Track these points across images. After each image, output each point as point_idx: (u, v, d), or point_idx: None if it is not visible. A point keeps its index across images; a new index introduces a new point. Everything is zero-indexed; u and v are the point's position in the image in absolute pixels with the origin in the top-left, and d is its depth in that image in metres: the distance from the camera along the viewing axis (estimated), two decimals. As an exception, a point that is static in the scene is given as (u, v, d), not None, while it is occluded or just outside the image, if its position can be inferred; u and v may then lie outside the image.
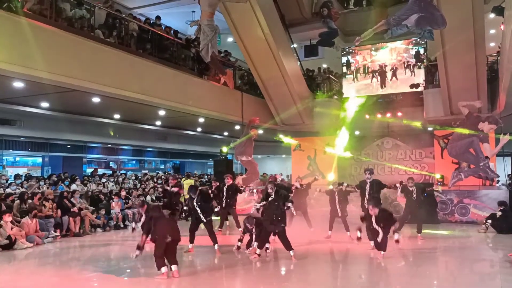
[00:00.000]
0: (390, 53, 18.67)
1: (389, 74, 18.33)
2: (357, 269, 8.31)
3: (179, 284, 7.02)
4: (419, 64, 17.87)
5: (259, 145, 18.67)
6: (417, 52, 18.22)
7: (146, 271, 7.91)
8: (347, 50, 19.16)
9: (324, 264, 8.83)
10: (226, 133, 20.90)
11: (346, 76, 19.09)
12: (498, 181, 16.30)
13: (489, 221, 11.90)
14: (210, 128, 19.46)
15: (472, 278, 7.52)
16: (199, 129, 19.67)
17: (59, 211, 11.26)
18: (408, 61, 18.21)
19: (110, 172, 19.30)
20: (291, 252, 8.40)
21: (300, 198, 11.25)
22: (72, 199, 12.07)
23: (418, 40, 17.86)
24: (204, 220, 8.92)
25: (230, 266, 8.39)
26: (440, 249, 10.24)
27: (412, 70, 18.09)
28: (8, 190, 12.00)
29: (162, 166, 25.62)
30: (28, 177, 14.18)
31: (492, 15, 14.20)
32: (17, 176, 13.81)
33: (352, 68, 19.07)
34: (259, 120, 12.52)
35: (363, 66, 19.03)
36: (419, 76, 17.63)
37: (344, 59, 19.33)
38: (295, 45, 17.18)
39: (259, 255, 8.48)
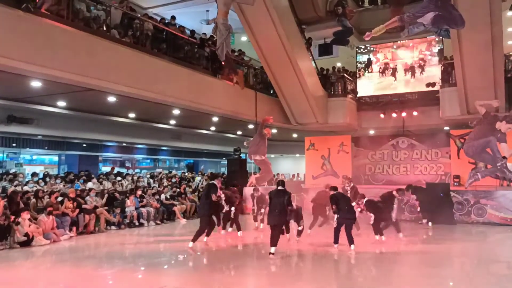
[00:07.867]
0: (412, 50, 18.53)
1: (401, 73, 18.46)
2: (372, 269, 8.24)
3: (194, 279, 7.08)
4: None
5: (273, 145, 18.65)
6: (441, 50, 18.02)
7: (161, 269, 7.98)
8: (368, 48, 19.14)
9: (337, 264, 8.77)
10: (239, 132, 20.94)
11: (366, 74, 19.10)
12: (515, 182, 16.00)
13: None
14: (223, 127, 19.51)
15: (488, 280, 7.40)
16: (212, 128, 19.75)
17: (76, 210, 11.39)
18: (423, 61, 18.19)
19: (124, 170, 19.51)
20: (272, 249, 8.50)
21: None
22: (88, 197, 12.21)
23: (436, 38, 17.72)
24: None
25: (245, 264, 8.41)
26: (456, 250, 10.10)
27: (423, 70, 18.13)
28: (26, 188, 12.21)
29: (176, 165, 25.78)
30: (46, 175, 14.39)
31: (510, 13, 13.97)
32: (34, 174, 14.03)
33: (374, 65, 19.05)
34: (272, 119, 12.49)
35: (384, 64, 18.95)
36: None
37: (364, 57, 19.28)
38: (309, 44, 17.10)
39: (273, 253, 8.51)
